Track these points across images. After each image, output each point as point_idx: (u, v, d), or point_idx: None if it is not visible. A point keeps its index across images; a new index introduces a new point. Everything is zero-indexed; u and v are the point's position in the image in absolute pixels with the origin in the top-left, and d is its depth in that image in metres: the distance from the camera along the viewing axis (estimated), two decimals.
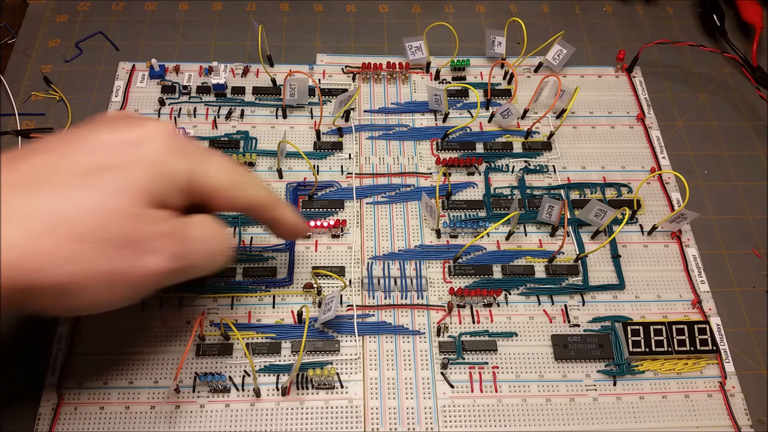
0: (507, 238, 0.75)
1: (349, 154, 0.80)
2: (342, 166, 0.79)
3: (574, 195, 0.78)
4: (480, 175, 0.79)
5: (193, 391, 0.64)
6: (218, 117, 0.82)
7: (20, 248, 0.44)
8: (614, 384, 0.66)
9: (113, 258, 0.47)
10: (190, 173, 0.52)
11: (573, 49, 0.86)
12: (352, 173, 0.78)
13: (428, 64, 0.87)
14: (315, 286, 0.69)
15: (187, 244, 0.51)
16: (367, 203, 0.76)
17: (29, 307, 0.48)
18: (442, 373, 0.66)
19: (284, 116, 0.82)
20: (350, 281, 0.71)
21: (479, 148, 0.81)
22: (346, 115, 0.82)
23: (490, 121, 0.84)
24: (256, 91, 0.84)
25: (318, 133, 0.81)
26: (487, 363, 0.67)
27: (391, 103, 0.85)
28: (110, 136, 0.50)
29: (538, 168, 0.80)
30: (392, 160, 0.80)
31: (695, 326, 0.68)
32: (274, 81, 0.85)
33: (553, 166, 0.80)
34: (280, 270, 0.71)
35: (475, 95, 0.85)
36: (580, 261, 0.73)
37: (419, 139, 0.82)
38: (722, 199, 0.80)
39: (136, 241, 0.48)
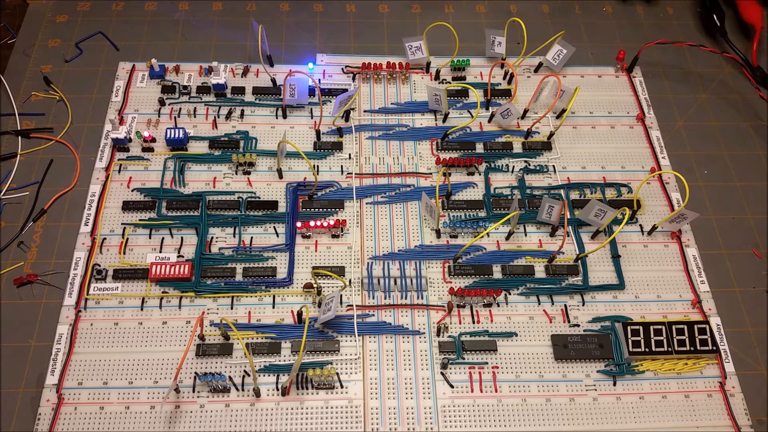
0: (507, 238, 0.75)
1: (349, 154, 0.80)
2: (342, 166, 0.79)
3: (574, 195, 0.78)
4: (480, 175, 0.79)
5: (193, 391, 0.64)
6: (218, 117, 0.82)
7: None
8: (614, 384, 0.66)
9: None
10: None
11: (573, 49, 0.86)
12: (352, 173, 0.78)
13: (428, 64, 0.87)
14: (315, 286, 0.69)
15: None
16: (367, 203, 0.76)
17: None
18: (442, 373, 0.66)
19: (284, 116, 0.82)
20: (350, 281, 0.71)
21: (479, 148, 0.81)
22: (346, 115, 0.82)
23: (490, 121, 0.84)
24: (256, 91, 0.84)
25: (318, 133, 0.81)
26: (487, 363, 0.67)
27: (391, 103, 0.85)
28: None
29: (538, 168, 0.80)
30: (392, 160, 0.80)
31: (695, 326, 0.68)
32: (274, 81, 0.85)
33: (553, 166, 0.80)
34: (280, 270, 0.71)
35: (475, 95, 0.85)
36: (580, 261, 0.73)
37: (419, 139, 0.82)
38: (722, 199, 0.80)
39: None
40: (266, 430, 0.62)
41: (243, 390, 0.64)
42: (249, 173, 0.78)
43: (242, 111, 0.82)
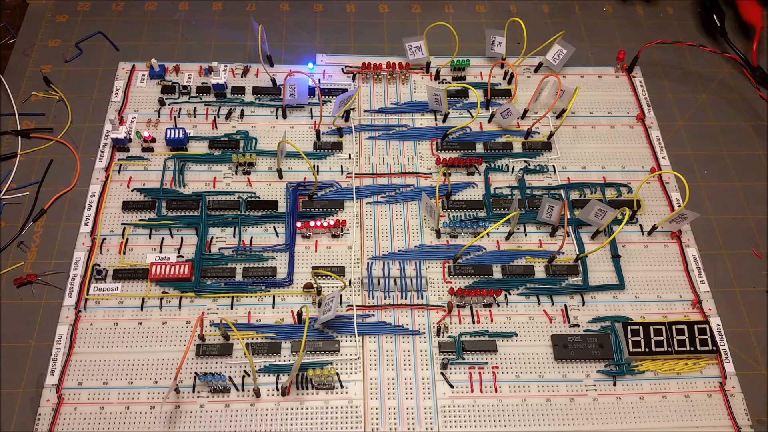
0: (507, 238, 0.75)
1: (349, 154, 0.80)
2: (342, 166, 0.79)
3: (574, 195, 0.78)
4: (480, 175, 0.79)
5: (193, 391, 0.64)
6: (218, 117, 0.82)
7: None
8: (614, 384, 0.66)
9: None
10: None
11: (573, 49, 0.86)
12: (352, 173, 0.78)
13: (428, 64, 0.87)
14: (315, 286, 0.69)
15: None
16: (367, 203, 0.76)
17: None
18: (442, 373, 0.66)
19: (284, 116, 0.82)
20: (350, 281, 0.71)
21: (479, 148, 0.81)
22: (346, 115, 0.82)
23: (490, 121, 0.84)
24: (256, 91, 0.84)
25: (318, 133, 0.81)
26: (487, 363, 0.67)
27: (391, 103, 0.85)
28: None
29: (538, 168, 0.80)
30: (392, 160, 0.80)
31: (695, 326, 0.68)
32: (274, 81, 0.85)
33: (553, 166, 0.80)
34: (280, 270, 0.71)
35: (475, 95, 0.85)
36: (580, 261, 0.73)
37: (419, 139, 0.82)
38: (722, 199, 0.80)
39: None
40: (266, 430, 0.62)
41: (243, 390, 0.64)
42: (249, 173, 0.78)
43: (242, 111, 0.82)
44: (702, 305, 0.72)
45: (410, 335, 0.68)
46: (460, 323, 0.69)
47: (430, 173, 0.79)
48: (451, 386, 0.65)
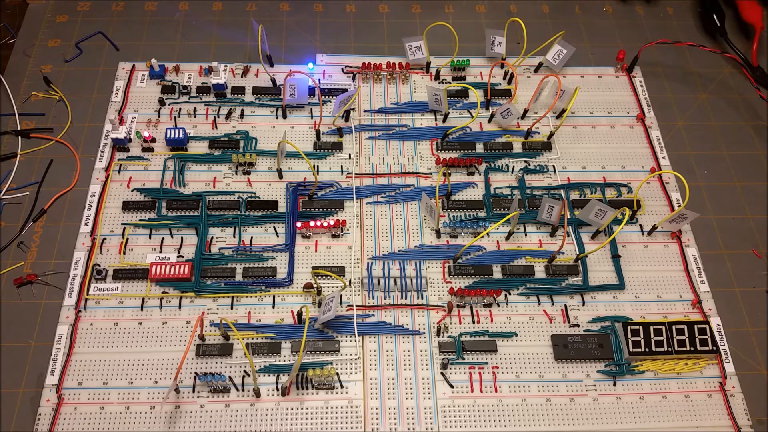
0: (507, 238, 0.75)
1: (349, 154, 0.80)
2: (342, 166, 0.79)
3: (574, 195, 0.78)
4: (480, 175, 0.79)
5: (193, 391, 0.64)
6: (218, 117, 0.82)
7: None
8: (614, 384, 0.66)
9: None
10: None
11: (573, 49, 0.86)
12: (352, 173, 0.78)
13: (428, 64, 0.87)
14: (315, 286, 0.69)
15: None
16: (367, 203, 0.76)
17: None
18: (442, 373, 0.66)
19: (284, 116, 0.82)
20: (350, 281, 0.71)
21: (479, 148, 0.81)
22: (346, 115, 0.82)
23: (490, 121, 0.84)
24: (256, 91, 0.84)
25: (318, 133, 0.81)
26: (487, 363, 0.67)
27: (391, 103, 0.85)
28: None
29: (538, 168, 0.80)
30: (392, 160, 0.80)
31: (695, 326, 0.68)
32: (274, 81, 0.85)
33: (553, 166, 0.80)
34: (280, 270, 0.71)
35: (475, 95, 0.85)
36: (580, 261, 0.73)
37: (419, 139, 0.82)
38: (722, 199, 0.80)
39: None
40: (266, 430, 0.62)
41: (243, 390, 0.64)
42: (249, 173, 0.78)
43: (242, 111, 0.82)
44: (702, 305, 0.72)
45: (410, 335, 0.68)
46: (460, 323, 0.69)
47: (430, 173, 0.79)
48: (451, 386, 0.65)
